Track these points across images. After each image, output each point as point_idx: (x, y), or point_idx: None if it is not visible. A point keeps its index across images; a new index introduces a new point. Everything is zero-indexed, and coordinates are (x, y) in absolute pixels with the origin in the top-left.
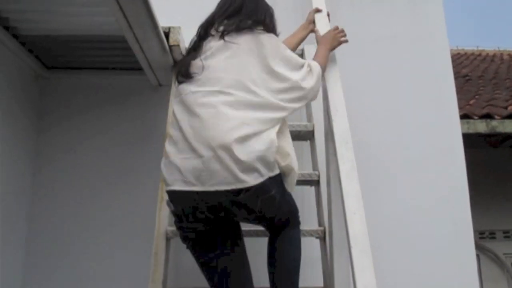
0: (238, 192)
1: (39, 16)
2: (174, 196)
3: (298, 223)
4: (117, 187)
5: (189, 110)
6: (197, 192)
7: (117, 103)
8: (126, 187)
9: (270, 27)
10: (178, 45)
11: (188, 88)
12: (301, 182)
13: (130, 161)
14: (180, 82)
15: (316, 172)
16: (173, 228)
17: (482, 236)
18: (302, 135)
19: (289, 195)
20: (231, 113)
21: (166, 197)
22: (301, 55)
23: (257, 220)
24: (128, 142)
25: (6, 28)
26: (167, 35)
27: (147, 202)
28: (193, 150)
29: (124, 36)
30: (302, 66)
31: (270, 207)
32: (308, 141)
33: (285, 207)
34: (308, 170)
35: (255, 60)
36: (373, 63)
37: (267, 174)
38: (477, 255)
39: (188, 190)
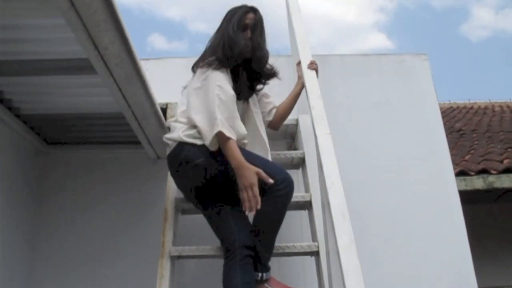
0: None
1: (40, 97)
2: None
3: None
4: (116, 260)
5: None
6: None
7: (116, 177)
8: (125, 260)
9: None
10: None
11: None
12: (301, 253)
13: (129, 234)
14: None
15: (316, 243)
16: None
17: None
18: (300, 205)
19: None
20: None
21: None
22: (296, 124)
23: None
24: (127, 215)
25: (9, 108)
26: (164, 111)
27: (147, 275)
28: None
29: (123, 113)
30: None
31: None
32: (307, 211)
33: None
34: (307, 241)
35: None
36: (366, 130)
37: None
38: None
39: None
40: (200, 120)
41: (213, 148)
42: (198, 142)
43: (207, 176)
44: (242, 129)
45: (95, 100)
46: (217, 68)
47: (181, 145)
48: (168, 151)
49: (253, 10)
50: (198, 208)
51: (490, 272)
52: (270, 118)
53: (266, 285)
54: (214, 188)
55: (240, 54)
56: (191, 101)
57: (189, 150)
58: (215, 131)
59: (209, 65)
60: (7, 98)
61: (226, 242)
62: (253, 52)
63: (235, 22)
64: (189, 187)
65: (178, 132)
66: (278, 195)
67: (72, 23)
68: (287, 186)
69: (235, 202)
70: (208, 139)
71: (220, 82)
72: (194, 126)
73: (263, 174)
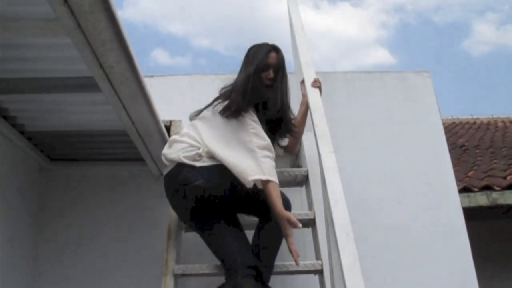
0: None
1: (45, 115)
2: None
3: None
4: (119, 277)
5: None
6: None
7: (119, 193)
8: (128, 278)
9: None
10: None
11: None
12: (305, 271)
13: (132, 251)
14: None
15: (319, 262)
16: None
17: None
18: (304, 223)
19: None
20: None
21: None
22: (300, 142)
23: None
24: (129, 232)
25: (13, 125)
26: (168, 128)
27: None
28: None
29: (126, 131)
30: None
31: None
32: (310, 229)
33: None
34: (311, 259)
35: None
36: (369, 147)
37: None
38: None
39: None
40: (234, 156)
41: (249, 186)
42: (197, 164)
43: (205, 197)
44: None
45: (99, 118)
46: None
47: (180, 166)
48: (165, 171)
49: (275, 49)
50: (193, 229)
51: None
52: (285, 143)
53: None
54: (211, 209)
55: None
56: (215, 132)
57: (187, 172)
58: (265, 177)
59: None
60: (12, 115)
61: (227, 262)
62: (283, 113)
63: (259, 66)
64: (185, 207)
65: (178, 152)
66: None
67: (78, 43)
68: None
69: (235, 222)
70: (250, 179)
71: (256, 130)
72: (194, 147)
73: (293, 220)
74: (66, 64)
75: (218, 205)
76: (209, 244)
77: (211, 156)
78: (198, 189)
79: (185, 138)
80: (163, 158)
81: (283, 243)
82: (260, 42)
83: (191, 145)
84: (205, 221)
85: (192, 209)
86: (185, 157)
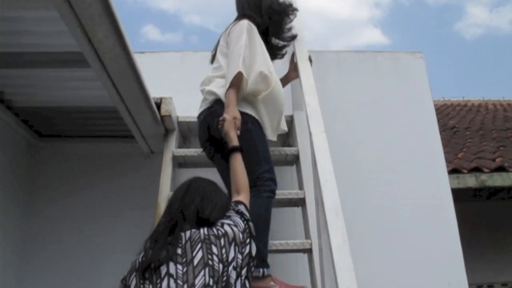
0: None
1: (33, 90)
2: None
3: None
4: (108, 256)
5: None
6: None
7: (109, 171)
8: (117, 256)
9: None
10: (170, 115)
11: None
12: (294, 250)
13: (122, 229)
14: None
15: (309, 241)
16: None
17: None
18: (294, 202)
19: None
20: None
21: None
22: (291, 121)
23: None
24: (119, 209)
25: (1, 100)
26: (158, 105)
27: None
28: None
29: (116, 108)
30: None
31: None
32: (300, 208)
33: None
34: (300, 238)
35: None
36: (360, 127)
37: None
38: None
39: None
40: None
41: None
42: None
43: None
44: None
45: (89, 94)
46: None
47: (218, 102)
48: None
49: None
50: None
51: (480, 269)
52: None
53: (272, 283)
54: None
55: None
56: None
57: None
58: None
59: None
60: None
61: (253, 174)
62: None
63: None
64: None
65: (221, 89)
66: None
67: (65, 16)
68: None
69: None
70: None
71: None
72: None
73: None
74: (55, 39)
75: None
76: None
77: None
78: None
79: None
80: (207, 91)
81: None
82: None
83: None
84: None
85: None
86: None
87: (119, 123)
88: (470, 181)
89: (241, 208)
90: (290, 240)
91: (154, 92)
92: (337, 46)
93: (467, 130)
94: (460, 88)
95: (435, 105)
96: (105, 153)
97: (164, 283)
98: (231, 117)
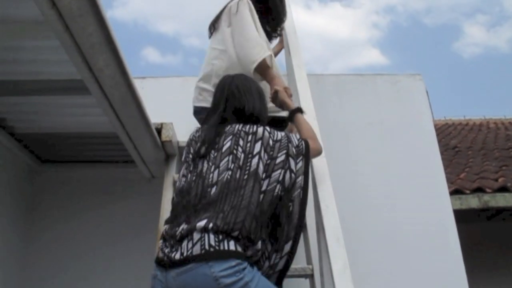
0: None
1: (34, 117)
2: None
3: None
4: (109, 279)
5: None
6: None
7: (109, 195)
8: (117, 280)
9: None
10: (171, 141)
11: None
12: (295, 276)
13: (122, 253)
14: None
15: (310, 266)
16: None
17: None
18: None
19: None
20: None
21: None
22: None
23: None
24: (120, 234)
25: (3, 127)
26: (159, 131)
27: None
28: None
29: (117, 133)
30: None
31: None
32: (301, 233)
33: None
34: (302, 263)
35: None
36: (361, 150)
37: None
38: None
39: None
40: None
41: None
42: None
43: None
44: None
45: (90, 120)
46: None
47: None
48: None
49: None
50: None
51: None
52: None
53: None
54: None
55: None
56: None
57: None
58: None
59: None
60: (2, 117)
61: None
62: None
63: None
64: None
65: None
66: None
67: (66, 46)
68: None
69: None
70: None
71: None
72: None
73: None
74: (56, 67)
75: None
76: None
77: None
78: None
79: None
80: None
81: None
82: None
83: None
84: None
85: None
86: None
87: (120, 148)
88: (473, 201)
89: (302, 143)
90: (291, 265)
91: (154, 117)
92: (337, 67)
93: (469, 150)
94: (461, 107)
95: (436, 125)
96: (106, 178)
97: (201, 164)
98: (281, 87)
